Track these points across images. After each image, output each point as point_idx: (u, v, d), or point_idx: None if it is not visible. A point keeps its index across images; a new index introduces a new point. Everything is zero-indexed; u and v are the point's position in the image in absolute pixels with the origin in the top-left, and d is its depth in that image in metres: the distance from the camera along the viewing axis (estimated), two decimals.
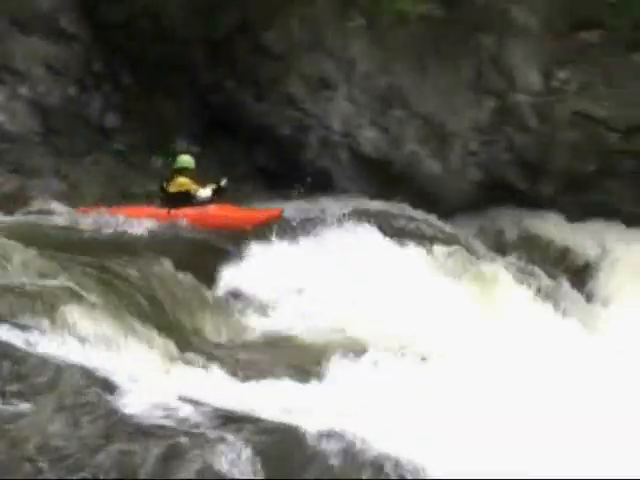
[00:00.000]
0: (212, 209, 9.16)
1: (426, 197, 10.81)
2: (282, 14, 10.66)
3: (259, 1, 10.68)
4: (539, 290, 8.73)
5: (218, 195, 9.37)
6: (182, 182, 9.39)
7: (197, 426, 4.51)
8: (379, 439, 4.63)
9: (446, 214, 10.57)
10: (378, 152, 11.31)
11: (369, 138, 11.30)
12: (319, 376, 5.84)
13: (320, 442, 4.56)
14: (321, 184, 10.48)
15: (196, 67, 11.07)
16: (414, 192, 10.86)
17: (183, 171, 9.49)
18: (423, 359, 6.54)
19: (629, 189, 10.47)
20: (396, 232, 8.92)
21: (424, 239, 8.98)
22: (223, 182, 9.43)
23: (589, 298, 9.74)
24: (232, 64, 10.97)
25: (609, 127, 10.45)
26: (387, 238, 8.55)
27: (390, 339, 6.77)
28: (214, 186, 9.40)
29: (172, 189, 9.46)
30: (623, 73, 10.39)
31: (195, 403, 4.77)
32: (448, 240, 9.18)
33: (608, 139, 10.46)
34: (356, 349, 6.40)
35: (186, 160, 9.53)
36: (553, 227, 10.61)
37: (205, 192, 9.33)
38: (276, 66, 10.80)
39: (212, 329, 6.90)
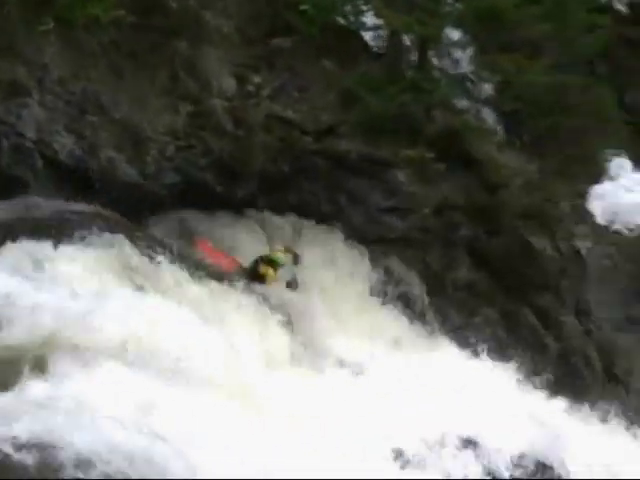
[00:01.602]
0: None
1: (124, 202, 10.89)
2: None
3: None
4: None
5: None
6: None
7: None
8: None
9: (145, 218, 10.74)
10: (74, 159, 11.68)
11: (65, 145, 11.65)
12: None
13: None
14: (16, 192, 10.75)
15: None
16: (112, 198, 11.00)
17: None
18: None
19: (323, 189, 11.20)
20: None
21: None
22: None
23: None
24: None
25: (302, 130, 11.27)
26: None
27: None
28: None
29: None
30: (314, 78, 11.23)
31: None
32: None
33: (301, 141, 11.22)
34: None
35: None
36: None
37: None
38: None
39: None
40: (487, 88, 13.68)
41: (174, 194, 11.65)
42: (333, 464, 7.21)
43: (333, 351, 10.11)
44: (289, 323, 9.88)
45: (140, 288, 8.74)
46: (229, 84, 11.71)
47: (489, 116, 13.73)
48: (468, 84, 13.32)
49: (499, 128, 13.81)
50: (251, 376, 8.20)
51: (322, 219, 11.69)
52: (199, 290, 9.21)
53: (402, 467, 8.45)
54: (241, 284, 9.93)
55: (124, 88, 11.61)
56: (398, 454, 8.60)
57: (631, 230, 14.23)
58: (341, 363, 10.10)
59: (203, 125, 11.65)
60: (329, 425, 8.27)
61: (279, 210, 11.75)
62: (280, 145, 11.60)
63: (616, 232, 14.15)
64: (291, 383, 8.68)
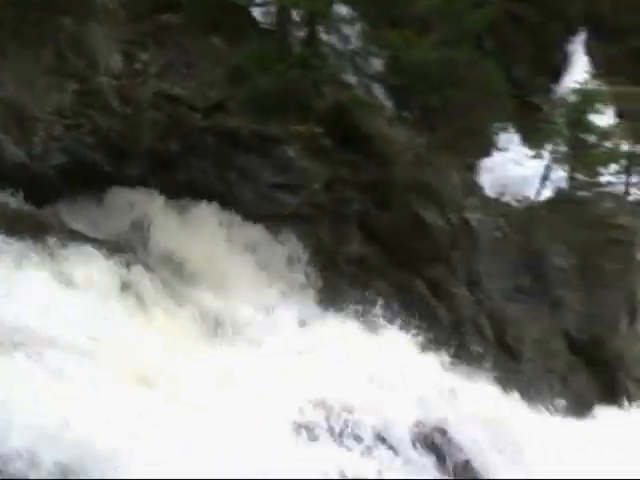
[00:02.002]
0: None
1: (14, 184, 10.82)
2: None
3: None
4: None
5: None
6: None
7: None
8: None
9: (40, 200, 10.77)
10: None
11: None
12: None
13: None
14: None
15: None
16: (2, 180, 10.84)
17: None
18: None
19: (212, 166, 11.33)
20: None
21: None
22: None
23: None
24: None
25: (190, 106, 11.36)
26: None
27: None
28: None
29: None
30: (202, 54, 11.33)
31: None
32: None
33: (190, 119, 11.32)
34: None
35: None
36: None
37: None
38: None
39: None
40: (376, 63, 13.99)
41: (63, 174, 11.53)
42: (226, 439, 7.35)
43: (227, 326, 10.17)
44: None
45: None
46: (116, 61, 11.76)
47: (379, 91, 14.05)
48: (357, 60, 13.59)
49: (389, 103, 14.12)
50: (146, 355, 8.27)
51: (213, 197, 11.73)
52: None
53: (301, 439, 8.61)
54: None
55: (8, 67, 11.50)
56: (296, 427, 8.75)
57: (520, 202, 14.78)
58: (236, 337, 10.12)
59: (91, 103, 11.68)
60: (224, 400, 8.37)
61: (169, 189, 11.73)
62: (168, 122, 11.72)
63: (505, 204, 14.62)
64: (188, 359, 8.76)
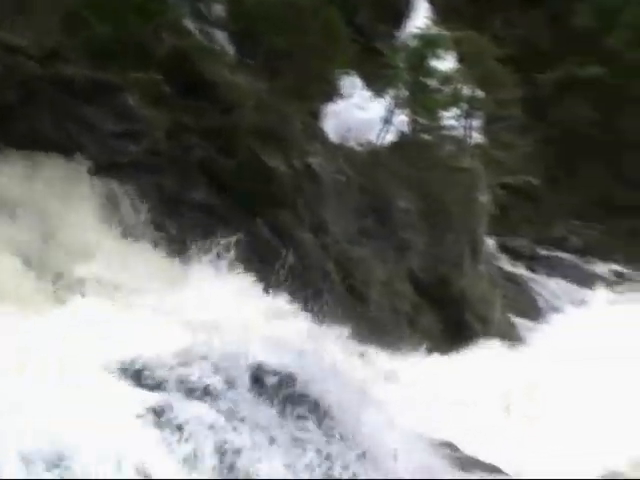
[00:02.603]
0: None
1: None
2: None
3: None
4: None
5: None
6: None
7: None
8: None
9: None
10: None
11: None
12: None
13: None
14: None
15: None
16: None
17: None
18: None
19: (51, 116, 11.33)
20: None
21: None
22: None
23: None
24: None
25: (27, 55, 11.30)
26: None
27: None
28: None
29: None
30: (38, 2, 11.29)
31: None
32: None
33: (27, 68, 11.28)
34: None
35: None
36: None
37: None
38: None
39: None
40: (218, 9, 14.16)
41: None
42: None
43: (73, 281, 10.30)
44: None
45: None
46: None
47: (220, 37, 14.20)
48: (198, 5, 13.71)
49: (231, 49, 14.30)
50: None
51: (54, 148, 11.78)
52: None
53: (140, 385, 8.79)
54: None
55: None
56: (134, 374, 8.92)
57: (362, 146, 15.22)
58: (84, 293, 10.26)
59: None
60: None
61: (10, 140, 11.72)
62: (4, 72, 11.59)
63: (349, 149, 15.06)
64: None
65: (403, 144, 16.38)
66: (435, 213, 15.51)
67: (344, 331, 12.47)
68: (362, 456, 7.94)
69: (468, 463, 9.62)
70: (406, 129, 16.69)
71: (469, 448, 10.22)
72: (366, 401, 10.06)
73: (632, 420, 11.92)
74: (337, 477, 7.43)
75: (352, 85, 16.93)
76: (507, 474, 9.66)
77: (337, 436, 7.98)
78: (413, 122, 16.56)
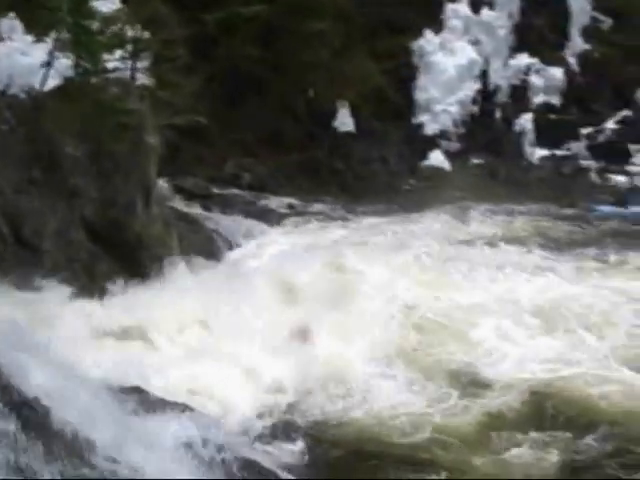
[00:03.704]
0: None
1: None
2: None
3: None
4: None
5: None
6: None
7: None
8: None
9: None
10: None
11: None
12: None
13: None
14: None
15: None
16: None
17: None
18: None
19: None
20: None
21: None
22: None
23: None
24: None
25: None
26: None
27: None
28: None
29: None
30: None
31: None
32: None
33: None
34: None
35: None
36: None
37: None
38: None
39: None
40: None
41: None
42: None
43: None
44: None
45: None
46: None
47: None
48: None
49: None
50: None
51: None
52: None
53: None
54: None
55: None
56: None
57: (26, 93, 14.90)
58: None
59: None
60: None
61: None
62: None
63: (11, 96, 14.71)
64: None
65: (67, 89, 16.16)
66: (104, 157, 15.54)
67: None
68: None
69: (158, 405, 9.89)
70: (70, 73, 16.41)
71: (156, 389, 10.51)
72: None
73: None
74: None
75: (11, 28, 16.39)
76: (196, 408, 10.02)
77: None
78: (77, 66, 16.31)
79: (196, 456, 8.72)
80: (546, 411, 11.82)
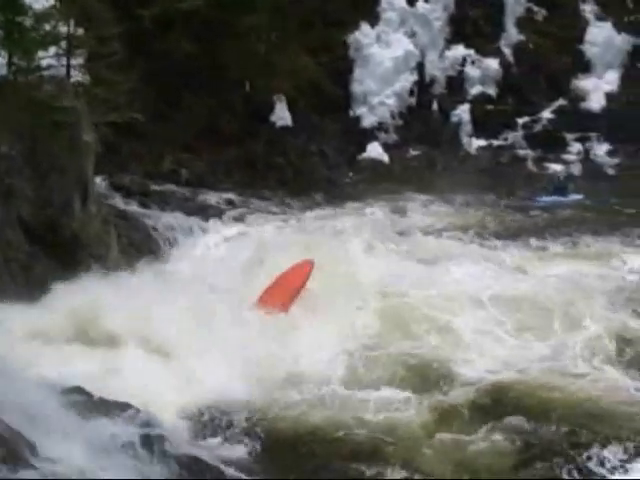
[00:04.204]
0: None
1: None
2: None
3: None
4: None
5: None
6: None
7: None
8: None
9: None
10: None
11: None
12: None
13: None
14: None
15: None
16: None
17: None
18: None
19: None
20: None
21: None
22: None
23: None
24: None
25: None
26: None
27: None
28: None
29: None
30: None
31: None
32: None
33: None
34: None
35: None
36: None
37: None
38: None
39: None
40: None
41: None
42: None
43: None
44: None
45: None
46: None
47: None
48: None
49: None
50: None
51: None
52: None
53: None
54: None
55: None
56: None
57: None
58: None
59: None
60: None
61: None
62: None
63: None
64: None
65: (1, 87, 15.98)
66: (40, 156, 15.40)
67: None
68: None
69: (99, 405, 9.89)
70: (3, 71, 16.24)
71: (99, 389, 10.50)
72: None
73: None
74: None
75: None
76: (137, 407, 10.03)
77: None
78: (10, 64, 16.15)
79: (137, 455, 8.73)
80: (501, 402, 11.96)
